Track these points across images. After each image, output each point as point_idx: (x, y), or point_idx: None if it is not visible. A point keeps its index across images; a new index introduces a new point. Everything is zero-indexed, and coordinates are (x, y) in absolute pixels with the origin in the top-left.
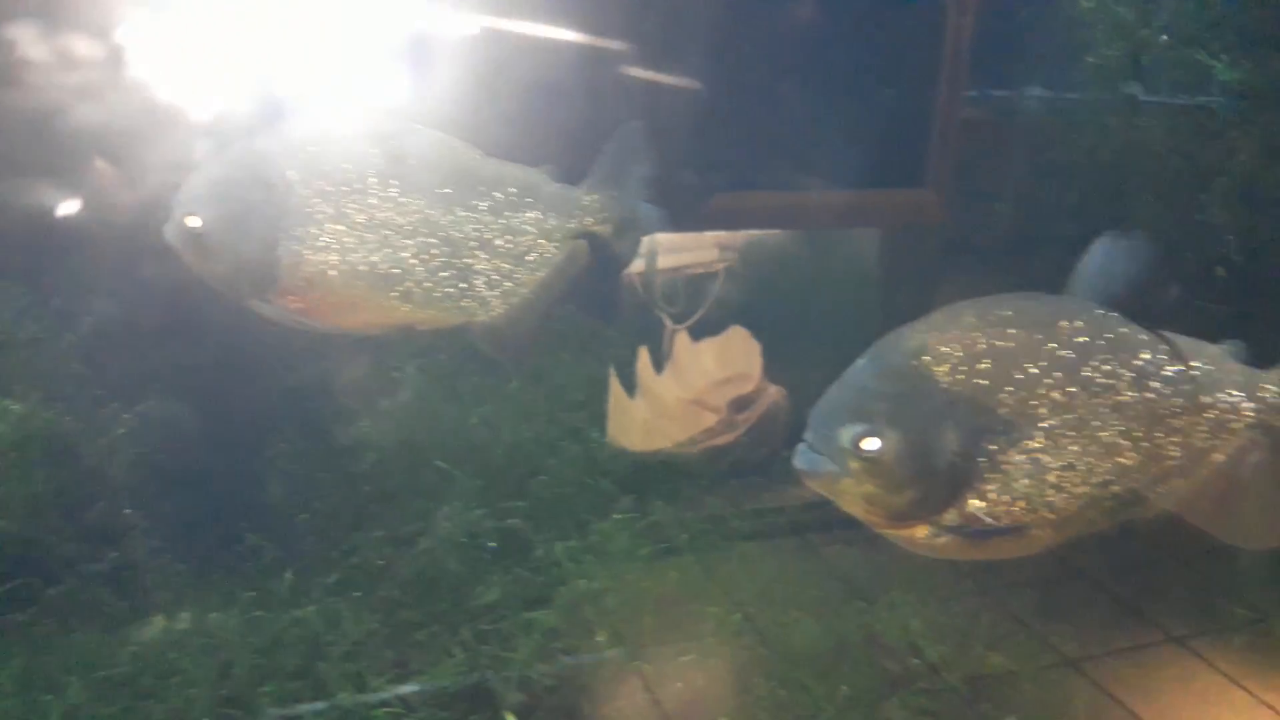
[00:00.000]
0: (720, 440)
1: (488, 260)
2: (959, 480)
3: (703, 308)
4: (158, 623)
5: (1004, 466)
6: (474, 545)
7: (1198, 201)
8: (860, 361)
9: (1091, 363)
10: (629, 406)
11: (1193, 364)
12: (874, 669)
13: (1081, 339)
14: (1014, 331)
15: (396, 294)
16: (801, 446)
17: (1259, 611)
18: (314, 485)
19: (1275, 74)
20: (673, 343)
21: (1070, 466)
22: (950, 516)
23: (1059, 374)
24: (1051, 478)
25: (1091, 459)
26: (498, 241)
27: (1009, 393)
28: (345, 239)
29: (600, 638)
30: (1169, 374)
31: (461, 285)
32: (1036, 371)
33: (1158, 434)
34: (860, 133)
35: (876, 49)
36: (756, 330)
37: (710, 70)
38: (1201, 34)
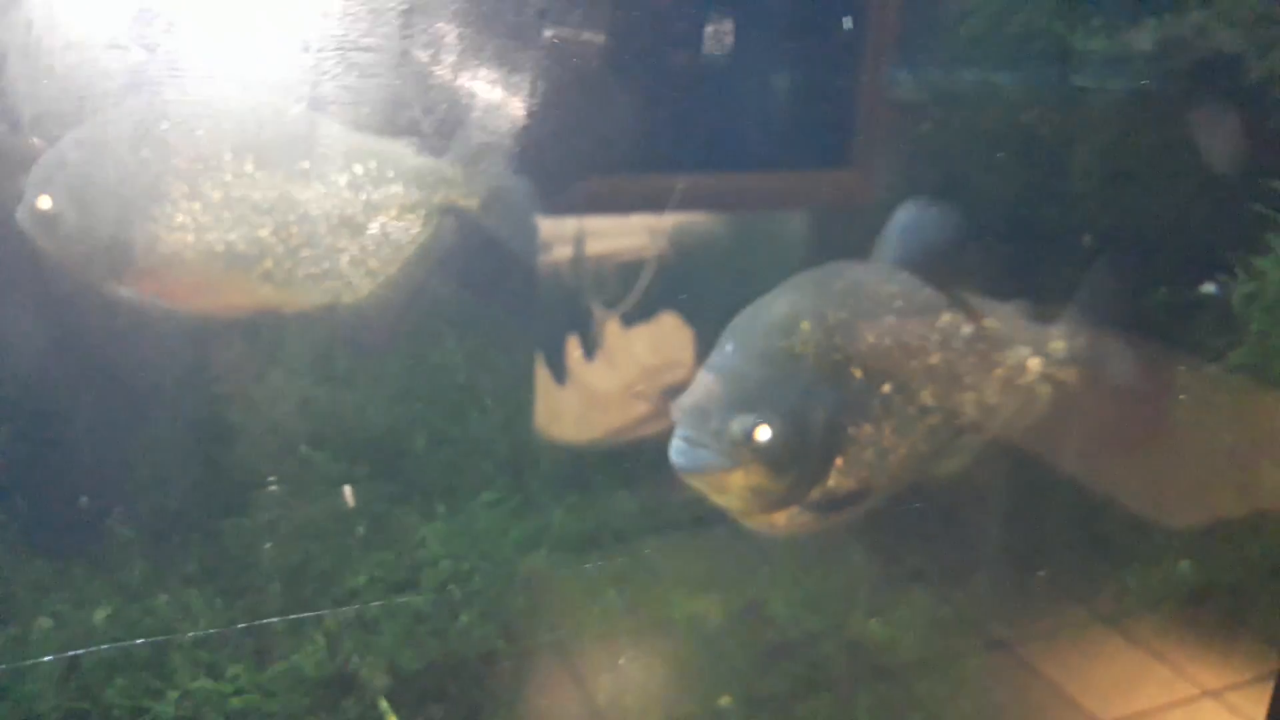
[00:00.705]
0: (650, 429)
1: (350, 238)
2: (829, 457)
3: (633, 295)
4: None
5: (858, 437)
6: (341, 531)
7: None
8: (725, 347)
9: (910, 328)
10: (558, 396)
11: (986, 322)
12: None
13: (900, 305)
14: (853, 302)
15: (257, 274)
16: (678, 443)
17: (1180, 589)
18: (178, 474)
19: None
20: (603, 330)
21: (902, 430)
22: (814, 494)
23: (890, 341)
24: (888, 443)
25: (916, 421)
26: (359, 218)
27: (858, 363)
28: (201, 218)
29: (465, 619)
30: (966, 334)
31: (324, 265)
32: (874, 340)
33: (959, 393)
34: (782, 111)
35: (799, 23)
36: (688, 317)
37: (616, 40)
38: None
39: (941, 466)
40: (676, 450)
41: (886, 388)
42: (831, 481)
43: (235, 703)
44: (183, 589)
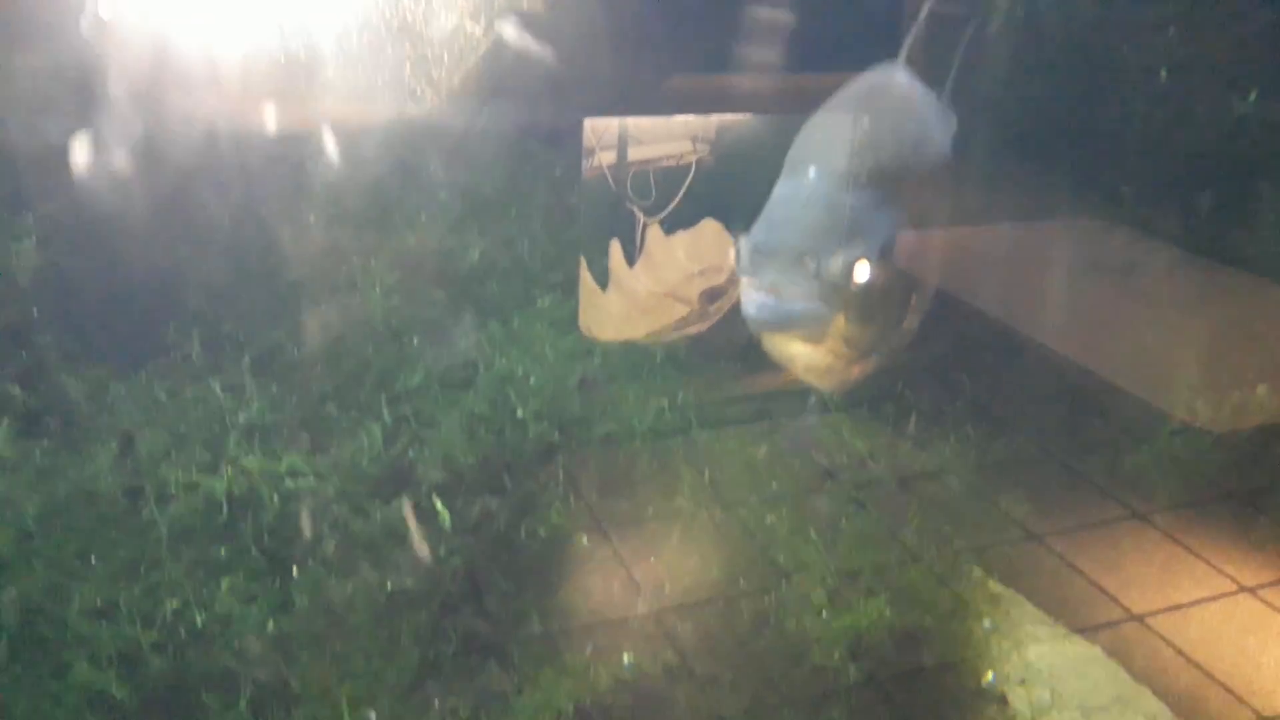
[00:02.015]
0: (692, 330)
1: None
2: (909, 292)
3: (675, 200)
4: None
5: (930, 265)
6: (395, 335)
7: None
8: (801, 173)
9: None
10: (601, 298)
11: None
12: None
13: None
14: (919, 112)
15: None
16: (757, 295)
17: (1220, 488)
18: (234, 285)
19: None
20: (645, 235)
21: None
22: (894, 339)
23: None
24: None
25: None
26: None
27: (910, 184)
28: None
29: (522, 414)
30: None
31: None
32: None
33: None
34: (828, 15)
35: None
36: (728, 222)
37: None
38: None
39: None
40: (756, 303)
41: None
42: (908, 321)
43: (289, 484)
44: (239, 379)
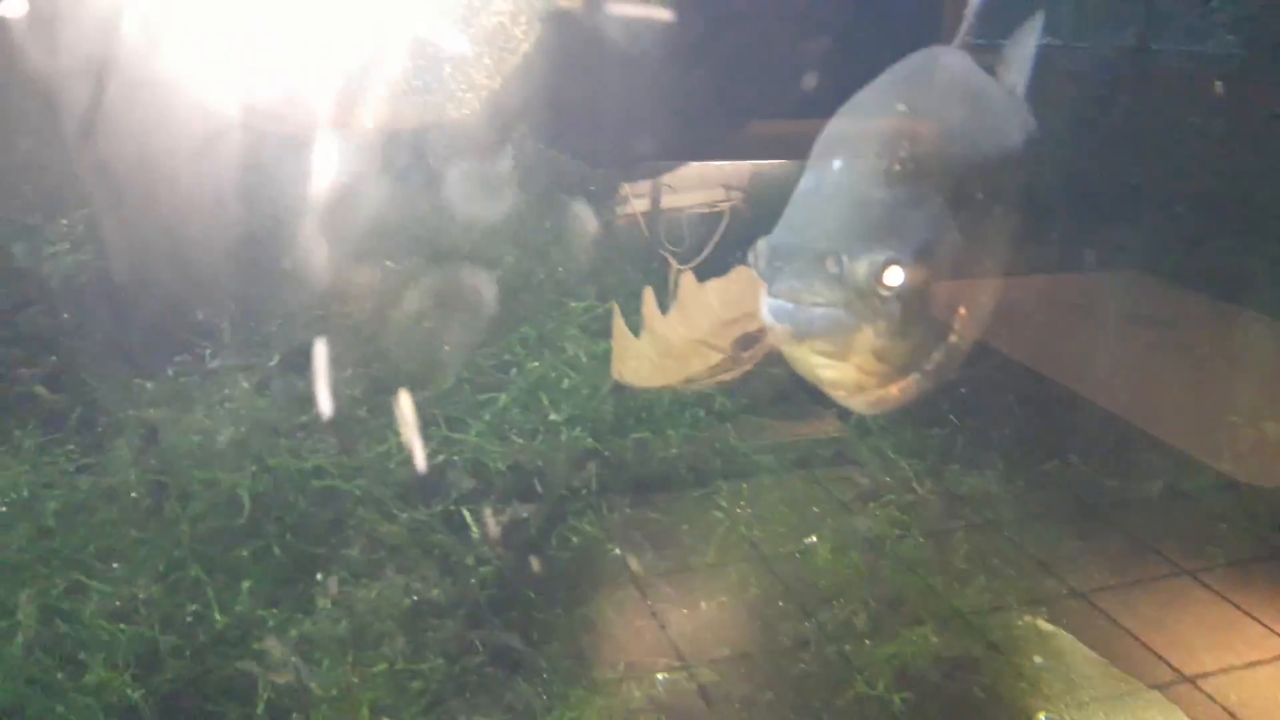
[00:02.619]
0: (725, 378)
1: None
2: (955, 305)
3: (708, 248)
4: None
5: (985, 274)
6: (427, 339)
7: None
8: (829, 164)
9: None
10: (634, 345)
11: None
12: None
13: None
14: (969, 100)
15: None
16: (777, 301)
17: (1272, 547)
18: (265, 285)
19: None
20: (678, 283)
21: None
22: (937, 357)
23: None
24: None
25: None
26: None
27: (982, 180)
28: None
29: (555, 418)
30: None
31: None
32: (998, 147)
33: None
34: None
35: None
36: None
37: None
38: None
39: None
40: (776, 309)
41: (1009, 213)
42: (955, 337)
43: (315, 484)
44: (267, 378)
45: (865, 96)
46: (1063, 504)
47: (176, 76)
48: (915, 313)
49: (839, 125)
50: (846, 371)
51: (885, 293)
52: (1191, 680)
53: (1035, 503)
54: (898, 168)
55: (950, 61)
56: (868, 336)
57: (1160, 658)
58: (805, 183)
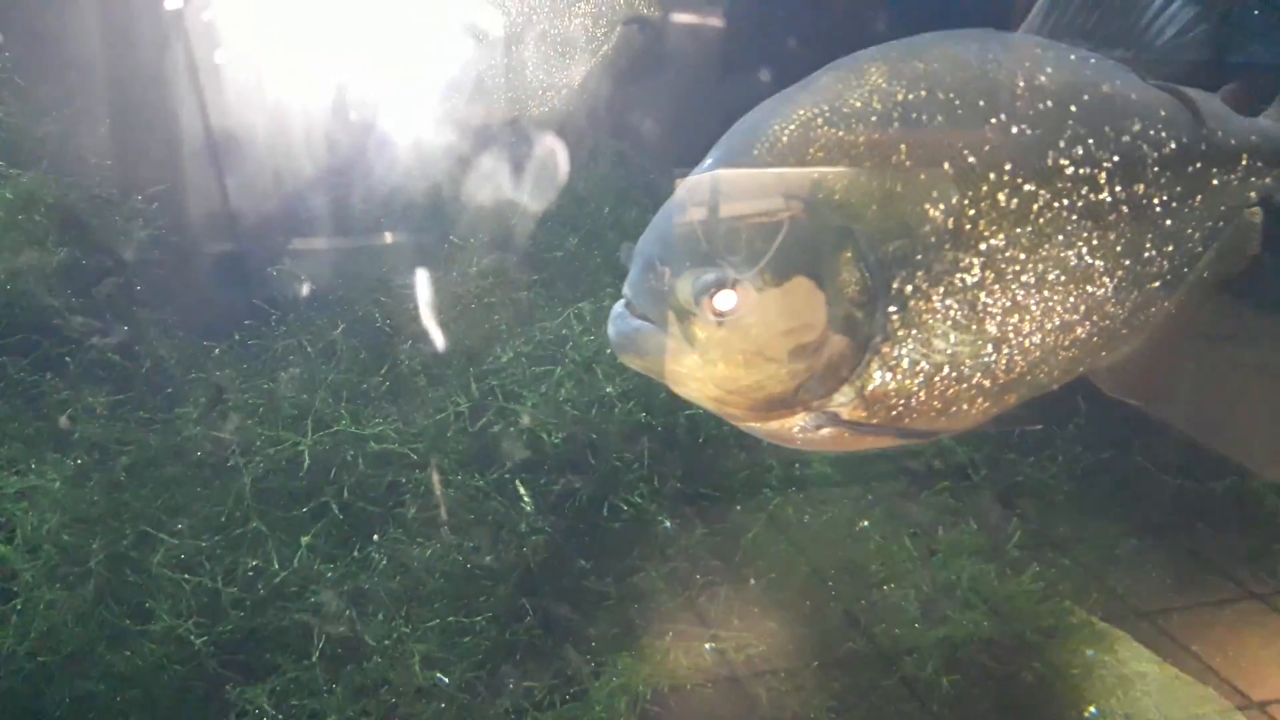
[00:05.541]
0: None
1: None
2: (857, 343)
3: (765, 257)
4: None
5: (922, 315)
6: (487, 312)
7: None
8: (706, 160)
9: (1061, 141)
10: (687, 354)
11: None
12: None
13: (1044, 102)
14: (943, 94)
15: None
16: (618, 309)
17: None
18: (333, 256)
19: None
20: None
21: (1019, 306)
22: (842, 397)
23: (1009, 162)
24: (991, 326)
25: (1054, 291)
26: None
27: (932, 200)
28: None
29: (610, 389)
30: (1172, 147)
31: None
32: (975, 160)
33: (1147, 242)
34: None
35: None
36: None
37: None
38: None
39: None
40: (612, 315)
41: (994, 240)
42: (873, 382)
43: (374, 447)
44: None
45: (803, 82)
46: (1127, 529)
47: (307, 75)
48: (774, 342)
49: (753, 114)
50: (697, 391)
51: (713, 317)
52: (1261, 706)
53: (1098, 530)
54: (786, 179)
55: (931, 45)
56: (693, 362)
57: (1227, 681)
58: (684, 184)
